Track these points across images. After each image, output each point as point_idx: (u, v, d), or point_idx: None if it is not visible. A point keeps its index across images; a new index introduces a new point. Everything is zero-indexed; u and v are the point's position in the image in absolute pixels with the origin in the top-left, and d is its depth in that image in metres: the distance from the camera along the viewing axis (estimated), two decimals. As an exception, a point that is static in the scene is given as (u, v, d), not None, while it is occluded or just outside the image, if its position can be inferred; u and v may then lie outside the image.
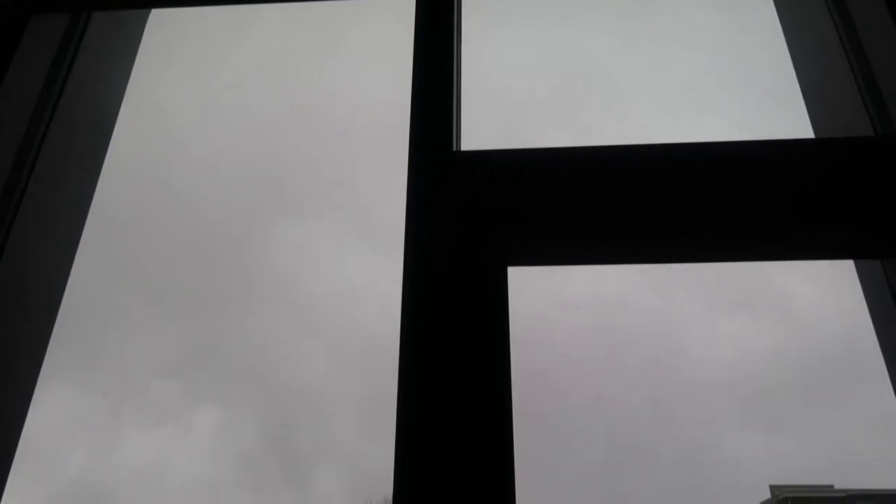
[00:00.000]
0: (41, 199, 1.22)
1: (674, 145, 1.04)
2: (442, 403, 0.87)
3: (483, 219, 0.98)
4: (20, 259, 1.17)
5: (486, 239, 0.96)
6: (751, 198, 0.99)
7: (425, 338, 0.90)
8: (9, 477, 1.15)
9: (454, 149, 1.06)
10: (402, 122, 1.06)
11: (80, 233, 1.33)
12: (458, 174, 1.01)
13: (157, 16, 1.83)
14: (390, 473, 0.80)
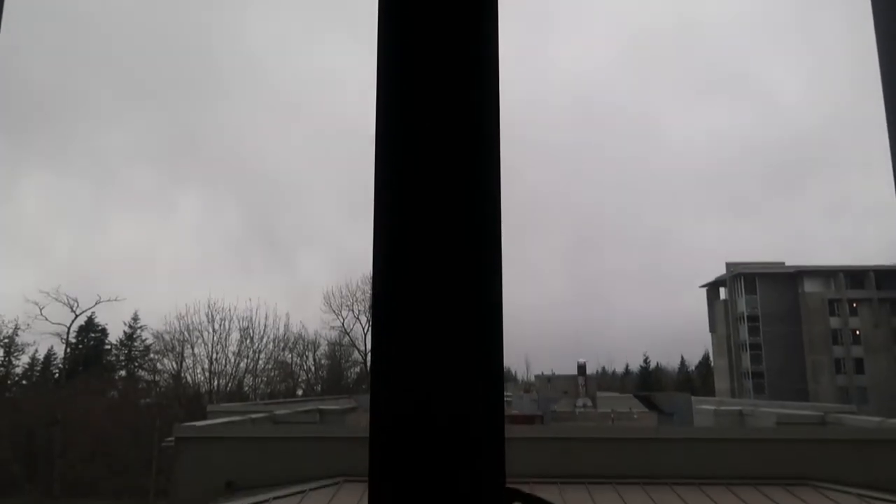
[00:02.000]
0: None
1: None
2: (422, 186, 0.84)
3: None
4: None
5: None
6: None
7: (402, 122, 0.86)
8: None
9: None
10: None
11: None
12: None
13: None
14: (369, 254, 0.80)
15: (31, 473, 23.12)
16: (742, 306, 53.88)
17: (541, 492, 7.83)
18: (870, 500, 7.57)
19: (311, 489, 7.81)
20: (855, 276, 53.24)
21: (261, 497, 7.61)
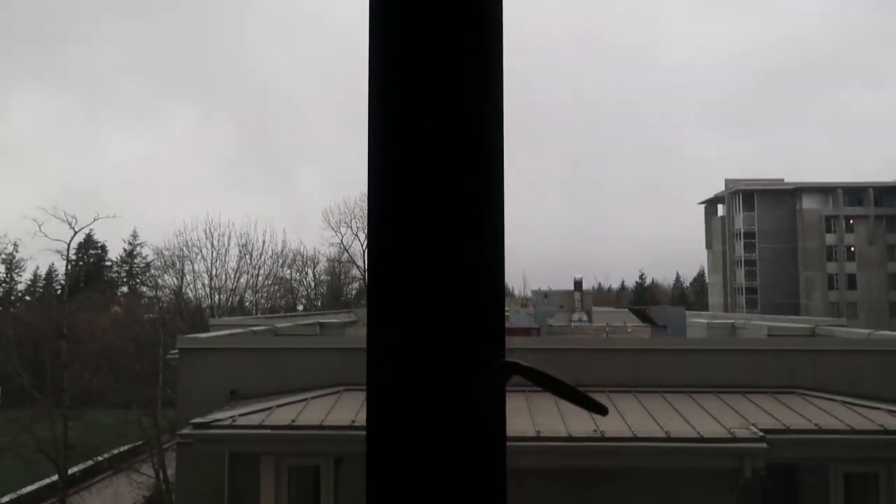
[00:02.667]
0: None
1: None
2: (419, 108, 0.80)
3: None
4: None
5: None
6: None
7: (401, 43, 0.81)
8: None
9: None
10: None
11: None
12: None
13: None
14: (366, 171, 0.78)
15: (40, 384, 23.77)
16: (739, 223, 54.03)
17: (534, 399, 8.07)
18: (855, 407, 7.81)
19: (312, 397, 8.03)
20: (854, 193, 53.18)
21: (264, 405, 7.83)
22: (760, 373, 8.60)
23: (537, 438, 6.88)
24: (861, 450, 7.26)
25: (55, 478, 20.28)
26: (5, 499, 20.29)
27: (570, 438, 6.92)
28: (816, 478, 7.84)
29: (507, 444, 0.80)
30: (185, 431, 7.36)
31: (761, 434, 6.93)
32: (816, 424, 7.23)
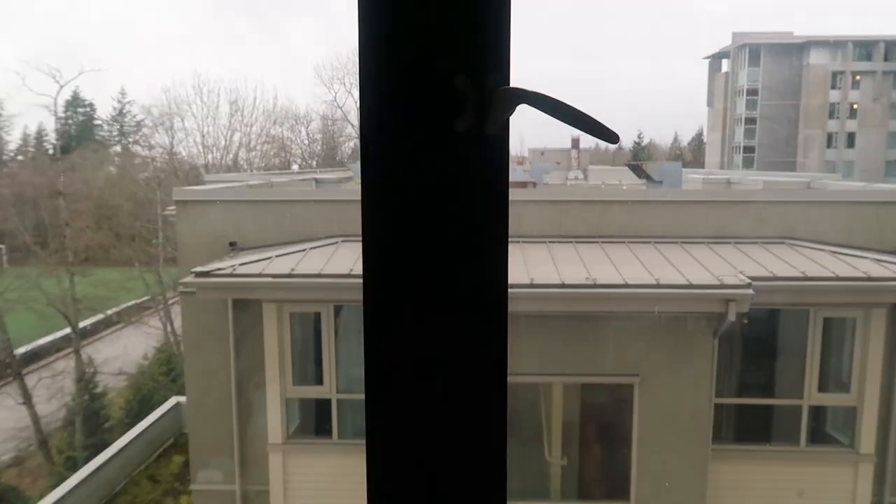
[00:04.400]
0: None
1: None
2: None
3: None
4: None
5: None
6: None
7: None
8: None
9: None
10: None
11: None
12: None
13: None
14: (355, 23, 0.74)
15: (42, 243, 24.10)
16: (743, 79, 52.58)
17: (530, 250, 8.24)
18: (843, 256, 8.00)
19: (310, 248, 8.18)
20: (864, 47, 51.30)
21: (264, 255, 7.98)
22: (754, 224, 8.72)
23: (531, 285, 7.09)
24: (842, 295, 7.53)
25: (68, 330, 21.10)
26: (24, 348, 21.22)
27: (562, 285, 7.14)
28: (796, 323, 8.20)
29: None
30: (186, 280, 7.55)
31: (748, 281, 7.14)
32: (802, 272, 7.44)
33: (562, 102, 0.65)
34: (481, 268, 0.76)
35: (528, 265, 7.58)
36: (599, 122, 0.67)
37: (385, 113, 0.73)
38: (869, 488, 7.86)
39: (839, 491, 8.00)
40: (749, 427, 8.52)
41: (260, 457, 8.11)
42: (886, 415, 7.95)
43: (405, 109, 0.72)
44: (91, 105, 47.34)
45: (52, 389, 19.11)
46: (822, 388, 8.04)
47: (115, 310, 24.28)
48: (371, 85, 0.72)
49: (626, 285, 7.10)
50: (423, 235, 0.75)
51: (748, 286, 7.06)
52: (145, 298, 24.55)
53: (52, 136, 37.12)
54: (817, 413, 8.25)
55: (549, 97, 0.66)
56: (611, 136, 0.67)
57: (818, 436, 8.25)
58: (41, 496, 11.12)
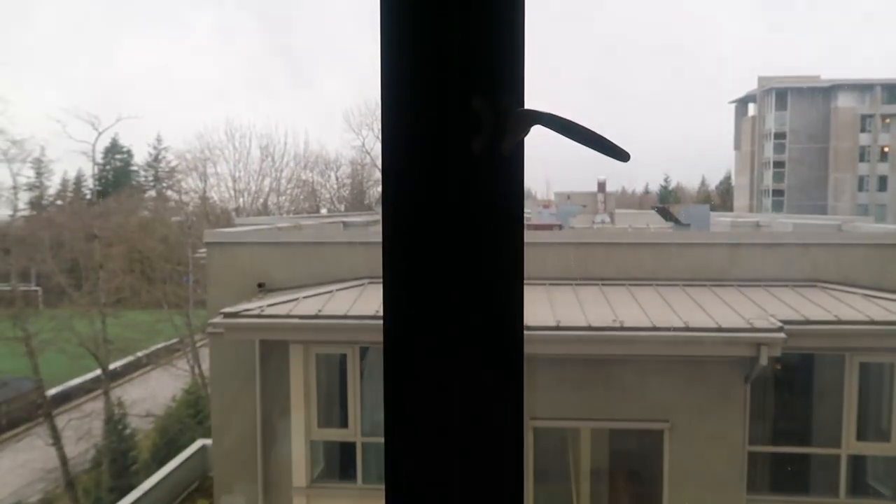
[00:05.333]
0: None
1: None
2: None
3: None
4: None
5: None
6: None
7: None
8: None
9: None
10: None
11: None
12: None
13: None
14: None
15: (77, 284, 24.61)
16: (770, 122, 52.40)
17: (555, 292, 8.20)
18: (876, 299, 7.82)
19: (337, 290, 8.24)
20: (892, 91, 50.94)
21: (291, 296, 8.06)
22: (784, 267, 8.59)
23: (557, 328, 7.03)
24: (878, 340, 7.33)
25: (98, 371, 21.35)
26: (55, 390, 21.49)
27: (589, 328, 7.07)
28: (831, 369, 7.98)
29: (527, 332, 0.81)
30: (215, 321, 7.64)
31: (780, 324, 7.00)
32: (836, 315, 7.28)
33: (574, 123, 0.67)
34: (498, 292, 0.78)
35: (554, 307, 7.54)
36: (611, 142, 0.69)
37: (405, 138, 0.76)
38: (914, 543, 7.51)
39: (883, 546, 7.66)
40: (785, 477, 8.23)
41: (284, 495, 8.04)
42: (930, 465, 7.63)
43: (424, 133, 0.75)
44: (129, 151, 48.73)
45: (80, 430, 19.25)
46: (861, 436, 7.77)
47: (144, 352, 24.56)
48: (392, 113, 0.75)
49: (653, 328, 7.01)
50: (442, 259, 0.77)
51: (780, 329, 6.92)
52: (174, 340, 24.81)
53: (90, 182, 38.26)
54: (856, 463, 7.95)
55: (562, 118, 0.68)
56: (622, 155, 0.69)
57: (859, 487, 7.94)
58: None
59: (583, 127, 0.69)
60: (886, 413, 7.78)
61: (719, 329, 7.00)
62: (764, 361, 6.92)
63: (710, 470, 7.48)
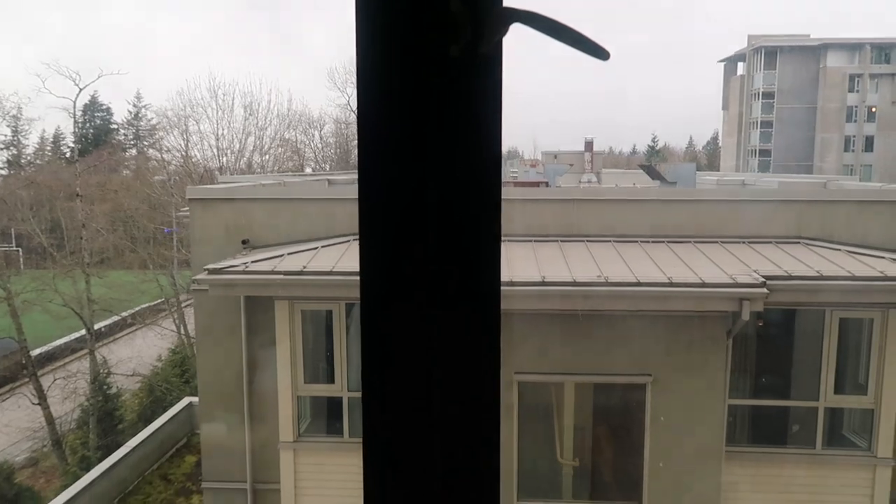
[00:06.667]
0: None
1: None
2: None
3: None
4: None
5: None
6: None
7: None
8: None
9: None
10: None
11: None
12: None
13: None
14: None
15: (59, 245, 24.36)
16: (759, 82, 52.22)
17: (542, 249, 8.20)
18: (859, 256, 7.89)
19: (322, 246, 8.19)
20: (883, 50, 50.81)
21: (276, 253, 8.00)
22: (769, 223, 8.63)
23: (542, 283, 7.05)
24: (858, 295, 7.42)
25: (83, 331, 21.30)
26: (39, 349, 21.43)
27: (574, 283, 7.09)
28: (811, 324, 8.09)
29: (514, 288, 0.79)
30: (199, 277, 7.58)
31: (762, 280, 7.06)
32: (818, 271, 7.34)
33: (555, 20, 0.64)
34: (474, 222, 0.75)
35: (540, 264, 7.54)
36: (592, 41, 0.66)
37: (381, 48, 0.71)
38: (887, 493, 7.73)
39: (856, 495, 7.87)
40: (764, 429, 8.41)
41: (271, 450, 8.12)
42: (905, 417, 7.81)
43: (402, 40, 0.71)
44: (108, 109, 47.97)
45: (66, 390, 19.29)
46: (839, 389, 7.93)
47: (129, 312, 24.49)
48: (366, 23, 0.71)
49: (638, 283, 7.04)
50: (420, 186, 0.74)
51: (762, 285, 6.98)
52: (159, 301, 24.74)
53: (69, 140, 37.63)
54: (834, 415, 8.13)
55: (542, 15, 0.65)
56: (601, 53, 0.66)
57: (835, 439, 8.12)
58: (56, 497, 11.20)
59: (563, 24, 0.65)
60: (864, 367, 7.92)
61: (703, 284, 7.05)
62: (746, 316, 6.98)
63: (691, 422, 7.62)
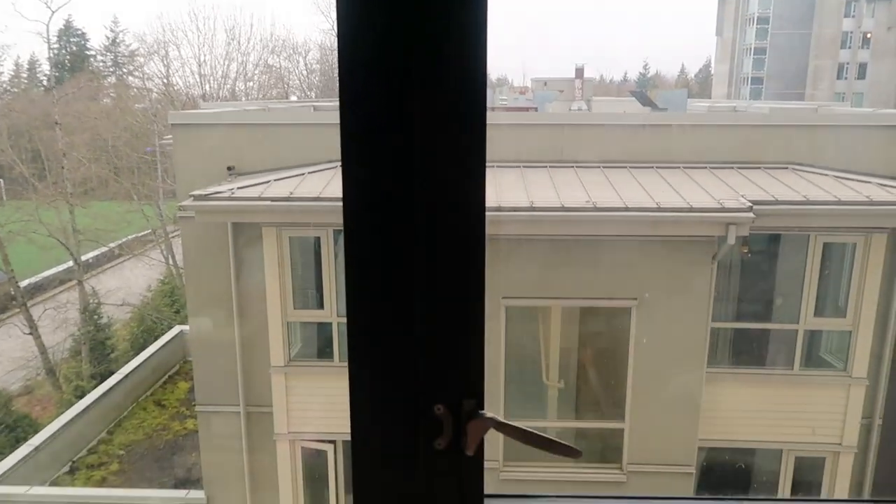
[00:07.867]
0: None
1: None
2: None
3: None
4: None
5: None
6: None
7: None
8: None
9: None
10: None
11: None
12: None
13: None
14: None
15: (40, 174, 23.96)
16: (754, 6, 51.05)
17: (530, 174, 8.15)
18: (846, 181, 7.92)
19: (309, 172, 8.10)
20: (880, -27, 49.52)
21: (262, 179, 7.91)
22: (759, 149, 8.59)
23: (531, 208, 7.04)
24: (843, 220, 7.48)
25: (70, 262, 21.21)
26: (28, 280, 21.38)
27: (562, 208, 7.09)
28: (795, 249, 8.18)
29: (501, 213, 0.78)
30: (185, 203, 7.51)
31: (749, 204, 7.09)
32: (804, 196, 7.37)
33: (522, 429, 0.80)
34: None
35: (529, 189, 7.52)
36: (560, 441, 0.79)
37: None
38: (859, 411, 8.02)
39: (831, 413, 8.16)
40: (745, 351, 8.63)
41: (262, 375, 8.26)
42: (881, 340, 8.02)
43: None
44: (83, 34, 46.27)
45: (57, 320, 19.35)
46: (819, 312, 8.10)
47: (116, 243, 24.35)
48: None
49: (625, 208, 7.05)
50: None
51: (749, 209, 7.01)
52: (146, 232, 24.58)
53: (45, 67, 36.41)
54: (812, 337, 8.34)
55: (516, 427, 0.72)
56: (571, 451, 0.79)
57: (812, 360, 8.36)
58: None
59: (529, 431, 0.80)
60: (844, 291, 8.07)
61: (690, 209, 7.07)
62: (732, 241, 7.04)
63: (674, 344, 7.79)
